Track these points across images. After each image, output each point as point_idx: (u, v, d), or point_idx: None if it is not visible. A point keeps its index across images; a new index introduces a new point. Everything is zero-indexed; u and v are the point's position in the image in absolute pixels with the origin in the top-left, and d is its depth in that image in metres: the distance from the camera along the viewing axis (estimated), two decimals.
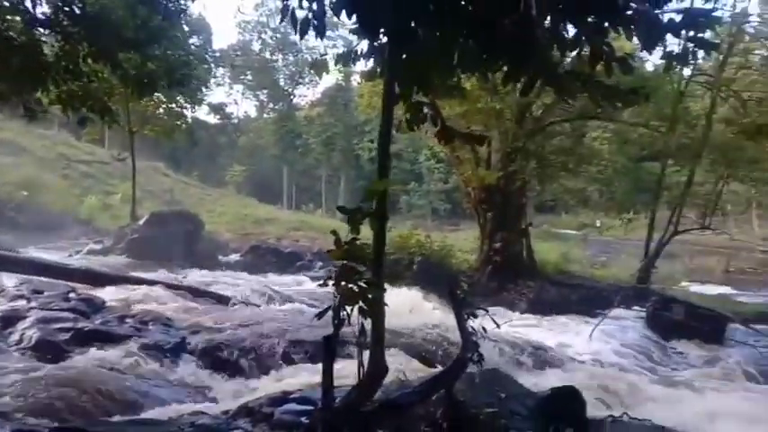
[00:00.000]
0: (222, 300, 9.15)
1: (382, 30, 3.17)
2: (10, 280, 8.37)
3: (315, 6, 2.79)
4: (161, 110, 20.54)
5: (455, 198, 38.81)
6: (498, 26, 3.04)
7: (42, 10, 7.34)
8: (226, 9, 56.47)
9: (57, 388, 4.78)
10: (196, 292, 9.25)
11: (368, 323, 3.20)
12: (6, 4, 7.10)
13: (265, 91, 52.54)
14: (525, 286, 13.18)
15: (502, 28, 3.04)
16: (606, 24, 3.01)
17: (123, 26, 7.28)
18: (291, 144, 46.91)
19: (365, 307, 3.11)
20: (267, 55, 50.98)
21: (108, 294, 8.14)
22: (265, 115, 53.46)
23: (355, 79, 38.98)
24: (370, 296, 3.13)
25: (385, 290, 3.24)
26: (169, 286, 9.17)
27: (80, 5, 7.14)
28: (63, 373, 5.21)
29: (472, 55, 3.11)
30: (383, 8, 2.76)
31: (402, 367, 4.45)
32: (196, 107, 26.94)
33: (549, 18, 3.19)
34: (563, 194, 21.79)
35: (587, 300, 12.63)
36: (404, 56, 3.24)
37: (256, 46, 51.20)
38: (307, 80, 52.50)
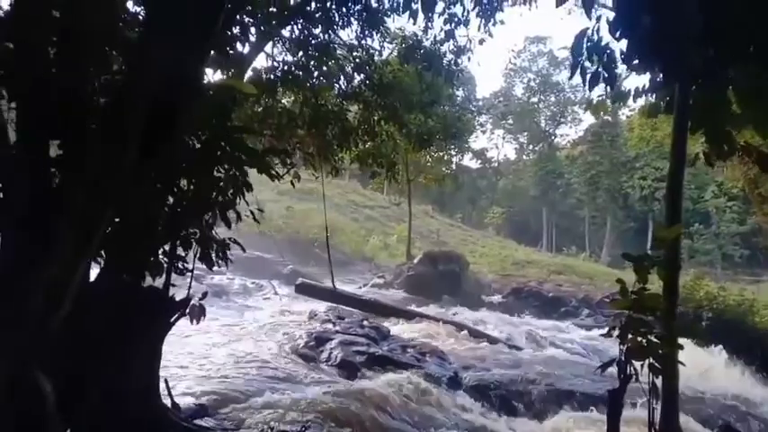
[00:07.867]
0: (491, 340, 9.44)
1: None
2: (320, 306, 10.25)
3: (605, 59, 2.86)
4: (431, 159, 22.60)
5: (754, 243, 32.21)
6: None
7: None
8: (484, 57, 59.36)
9: (356, 403, 5.62)
10: (468, 330, 9.75)
11: (659, 381, 2.99)
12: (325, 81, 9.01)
13: (525, 133, 52.93)
14: None
15: None
16: None
17: (411, 92, 8.51)
18: (552, 185, 45.87)
19: (656, 364, 2.92)
20: (530, 98, 51.48)
21: (392, 324, 9.25)
22: (525, 157, 53.72)
23: (624, 113, 36.28)
24: (661, 352, 2.94)
25: (682, 347, 2.99)
26: (444, 322, 9.92)
27: (377, 77, 8.62)
28: (360, 389, 6.10)
29: None
30: (683, 49, 2.66)
31: None
32: (462, 155, 28.74)
33: None
34: None
35: None
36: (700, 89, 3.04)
37: (519, 90, 52.27)
38: (569, 119, 51.21)
